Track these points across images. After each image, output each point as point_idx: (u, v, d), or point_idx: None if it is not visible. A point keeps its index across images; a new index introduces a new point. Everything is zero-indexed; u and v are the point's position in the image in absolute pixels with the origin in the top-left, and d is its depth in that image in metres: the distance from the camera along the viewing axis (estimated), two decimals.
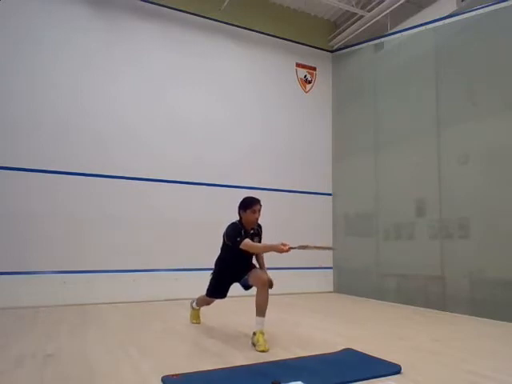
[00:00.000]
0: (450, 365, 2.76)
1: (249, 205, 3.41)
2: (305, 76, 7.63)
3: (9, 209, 5.19)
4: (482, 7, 5.22)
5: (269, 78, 7.26)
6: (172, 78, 6.43)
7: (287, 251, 2.97)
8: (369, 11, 6.84)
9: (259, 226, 3.61)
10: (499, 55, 5.00)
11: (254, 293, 3.29)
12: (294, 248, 3.00)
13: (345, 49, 7.61)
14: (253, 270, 3.47)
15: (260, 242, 3.61)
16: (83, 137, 5.72)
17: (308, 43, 7.64)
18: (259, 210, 3.43)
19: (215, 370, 2.54)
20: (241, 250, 3.36)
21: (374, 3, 6.74)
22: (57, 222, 5.43)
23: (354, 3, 6.93)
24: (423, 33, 6.06)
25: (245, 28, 7.05)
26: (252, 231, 3.49)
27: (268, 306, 3.23)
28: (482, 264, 4.91)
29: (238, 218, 3.49)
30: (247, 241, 3.28)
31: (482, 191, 4.97)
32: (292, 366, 2.68)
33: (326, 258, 7.38)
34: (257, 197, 3.53)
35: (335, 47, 7.80)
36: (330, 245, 3.05)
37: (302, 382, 2.24)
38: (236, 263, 3.44)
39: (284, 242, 2.99)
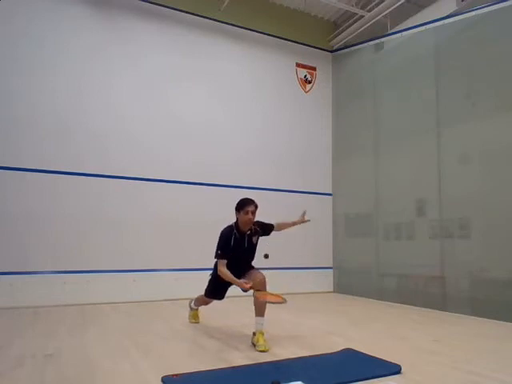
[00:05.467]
0: (450, 365, 2.76)
1: (242, 206, 3.43)
2: (305, 76, 7.63)
3: (9, 209, 5.19)
4: (482, 7, 5.22)
5: (269, 77, 7.26)
6: (172, 77, 6.42)
7: (247, 289, 3.26)
8: (369, 11, 6.83)
9: (259, 225, 3.59)
10: (499, 55, 4.99)
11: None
12: (253, 289, 3.26)
13: (345, 49, 7.61)
14: (250, 271, 3.48)
15: (259, 237, 3.61)
16: (83, 137, 5.72)
17: (308, 43, 7.64)
18: (253, 212, 3.43)
19: (215, 369, 2.54)
20: (239, 252, 3.42)
21: (373, 3, 6.74)
22: (57, 222, 5.43)
23: (353, 3, 6.92)
24: (423, 33, 6.05)
25: (245, 28, 7.05)
26: (249, 232, 3.51)
27: (267, 306, 3.23)
28: (482, 264, 4.91)
29: (236, 220, 3.52)
30: (222, 263, 3.37)
31: (482, 191, 4.97)
32: (292, 366, 2.68)
33: (326, 258, 7.40)
34: (256, 197, 3.54)
35: (335, 47, 7.80)
36: (284, 298, 3.18)
37: (302, 382, 2.24)
38: (234, 265, 3.43)
39: (247, 281, 3.28)
